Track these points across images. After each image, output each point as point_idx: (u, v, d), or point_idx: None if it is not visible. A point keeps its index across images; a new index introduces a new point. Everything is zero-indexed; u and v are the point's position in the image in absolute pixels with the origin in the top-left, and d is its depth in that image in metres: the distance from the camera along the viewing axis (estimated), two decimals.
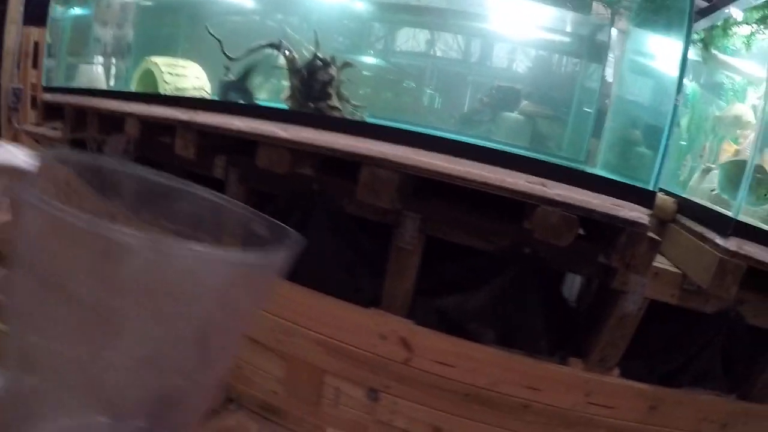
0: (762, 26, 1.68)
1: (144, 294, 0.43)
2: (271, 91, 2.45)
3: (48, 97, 3.20)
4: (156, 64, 2.31)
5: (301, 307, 1.66)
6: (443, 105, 2.98)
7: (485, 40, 2.87)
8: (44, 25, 3.70)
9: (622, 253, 1.34)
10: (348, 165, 1.55)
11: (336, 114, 1.85)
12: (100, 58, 3.38)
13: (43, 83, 3.48)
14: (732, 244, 1.33)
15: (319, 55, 1.85)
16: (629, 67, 2.24)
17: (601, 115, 2.24)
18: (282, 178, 1.69)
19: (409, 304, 1.57)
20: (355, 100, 1.94)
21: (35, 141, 3.19)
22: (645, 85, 2.15)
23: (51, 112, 3.30)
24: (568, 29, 2.55)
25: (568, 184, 1.44)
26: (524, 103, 2.49)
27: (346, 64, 1.89)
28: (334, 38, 2.38)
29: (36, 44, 3.94)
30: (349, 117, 1.87)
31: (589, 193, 1.41)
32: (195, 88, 2.27)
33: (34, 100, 3.75)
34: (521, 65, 2.77)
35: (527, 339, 1.52)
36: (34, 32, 3.93)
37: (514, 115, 2.47)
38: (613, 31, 2.25)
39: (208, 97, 2.28)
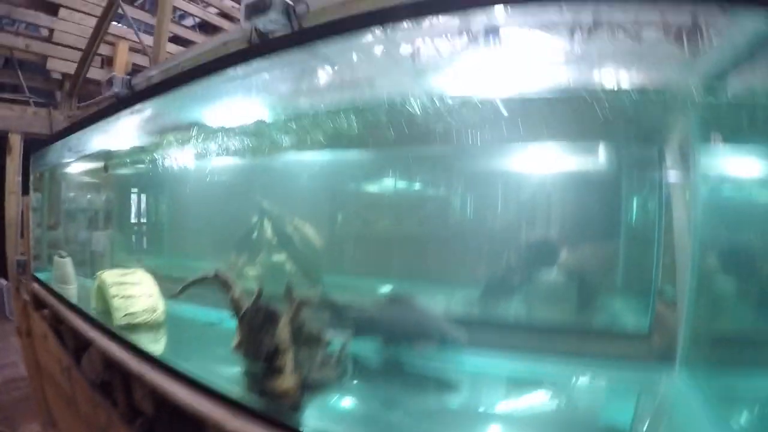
0: None
1: None
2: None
3: (36, 288, 3.10)
4: (104, 281, 2.05)
5: None
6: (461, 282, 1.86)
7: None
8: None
9: None
10: None
11: (291, 401, 1.19)
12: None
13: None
14: None
15: (261, 302, 1.27)
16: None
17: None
18: None
19: None
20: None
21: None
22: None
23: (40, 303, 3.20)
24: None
25: None
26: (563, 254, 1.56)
27: (302, 304, 1.31)
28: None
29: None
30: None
31: None
32: (146, 311, 1.98)
33: None
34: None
35: None
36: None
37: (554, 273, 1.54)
38: None
39: (160, 320, 1.98)
